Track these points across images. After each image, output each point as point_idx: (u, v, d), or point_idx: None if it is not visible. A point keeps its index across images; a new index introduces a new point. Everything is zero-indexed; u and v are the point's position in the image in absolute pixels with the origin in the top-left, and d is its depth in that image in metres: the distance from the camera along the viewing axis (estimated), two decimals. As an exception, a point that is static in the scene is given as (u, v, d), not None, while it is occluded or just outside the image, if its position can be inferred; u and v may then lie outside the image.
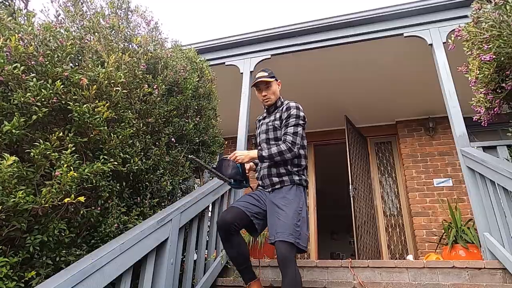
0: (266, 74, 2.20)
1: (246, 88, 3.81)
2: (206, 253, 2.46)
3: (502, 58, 2.20)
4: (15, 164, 1.34)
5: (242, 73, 3.98)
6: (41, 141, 1.49)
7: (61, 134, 1.57)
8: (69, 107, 1.64)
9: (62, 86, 1.62)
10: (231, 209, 2.08)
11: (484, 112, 2.50)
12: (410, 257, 4.37)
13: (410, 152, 5.23)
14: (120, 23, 2.42)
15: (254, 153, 2.08)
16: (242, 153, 2.09)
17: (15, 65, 1.54)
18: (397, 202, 5.26)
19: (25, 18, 1.87)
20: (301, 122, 2.09)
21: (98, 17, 2.24)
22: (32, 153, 1.45)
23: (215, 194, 2.55)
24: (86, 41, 1.98)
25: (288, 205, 1.95)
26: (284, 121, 2.10)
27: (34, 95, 1.54)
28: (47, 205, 1.42)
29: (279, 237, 1.83)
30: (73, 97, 1.68)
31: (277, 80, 2.25)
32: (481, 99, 2.49)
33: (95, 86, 1.74)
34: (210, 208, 2.58)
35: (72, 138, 1.62)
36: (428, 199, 4.84)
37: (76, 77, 1.70)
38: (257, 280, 2.11)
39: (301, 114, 2.11)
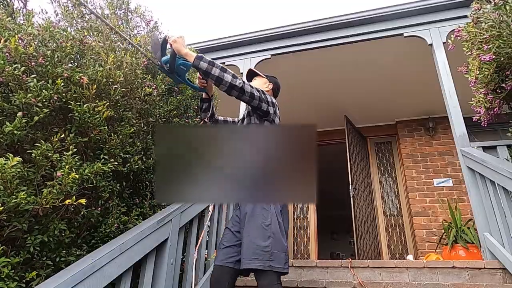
0: (259, 73, 2.13)
1: (246, 88, 3.81)
2: (206, 253, 2.46)
3: (502, 58, 2.20)
4: (18, 165, 1.34)
5: (242, 73, 3.98)
6: (42, 141, 1.50)
7: (62, 135, 1.57)
8: (70, 106, 1.64)
9: (62, 85, 1.62)
10: (213, 272, 1.78)
11: (484, 112, 2.50)
12: (410, 257, 4.37)
13: (410, 152, 5.23)
14: (119, 23, 2.42)
15: (190, 53, 1.74)
16: (179, 39, 1.76)
17: (15, 66, 1.54)
18: (397, 202, 5.26)
19: (25, 18, 1.87)
20: (268, 98, 1.87)
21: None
22: (33, 154, 1.45)
23: (215, 194, 2.54)
24: (86, 41, 1.98)
25: (251, 221, 1.68)
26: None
27: (35, 95, 1.54)
28: (48, 205, 1.42)
29: (243, 264, 1.57)
30: (74, 95, 1.68)
31: (270, 81, 2.14)
32: (481, 99, 2.49)
33: (94, 85, 1.74)
34: (210, 208, 2.58)
35: (73, 139, 1.62)
36: (428, 199, 4.85)
37: (77, 76, 1.71)
38: None
39: (269, 98, 1.90)
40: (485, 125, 2.59)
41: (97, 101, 1.75)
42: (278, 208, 1.74)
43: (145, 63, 2.27)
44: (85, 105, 1.68)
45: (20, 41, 1.61)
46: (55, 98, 1.60)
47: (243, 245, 1.64)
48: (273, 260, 1.56)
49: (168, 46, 1.87)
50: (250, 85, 1.80)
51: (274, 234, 1.62)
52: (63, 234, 1.58)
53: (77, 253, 1.63)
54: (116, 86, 1.87)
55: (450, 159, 4.98)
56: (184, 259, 2.15)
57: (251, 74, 2.20)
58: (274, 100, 1.95)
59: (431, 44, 3.44)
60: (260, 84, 2.10)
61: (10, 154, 1.33)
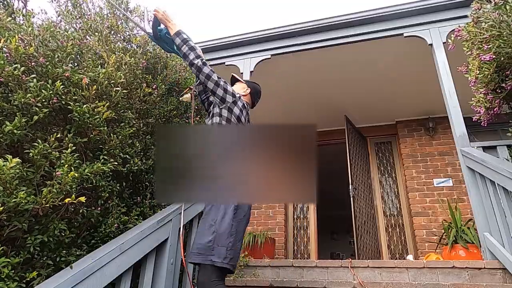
0: (239, 78, 2.26)
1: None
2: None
3: (502, 58, 2.20)
4: (17, 166, 1.34)
5: (242, 73, 3.99)
6: (39, 141, 1.50)
7: (59, 135, 1.57)
8: (69, 107, 1.64)
9: (62, 86, 1.62)
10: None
11: (484, 112, 2.50)
12: (410, 257, 4.37)
13: (410, 152, 5.23)
14: (119, 23, 2.42)
15: (173, 26, 1.99)
16: (164, 13, 2.00)
17: (15, 66, 1.54)
18: (397, 202, 5.26)
19: (25, 18, 1.87)
20: (229, 89, 1.95)
21: (97, 18, 2.24)
22: (31, 153, 1.45)
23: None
24: (86, 41, 1.98)
25: (203, 219, 1.73)
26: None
27: (35, 95, 1.54)
28: (47, 205, 1.42)
29: (190, 258, 1.63)
30: (73, 97, 1.68)
31: (248, 86, 2.20)
32: (481, 99, 2.49)
33: (95, 86, 1.74)
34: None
35: (72, 139, 1.62)
36: (428, 199, 4.85)
37: (77, 77, 1.71)
38: None
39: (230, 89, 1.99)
40: (485, 125, 2.59)
41: (97, 101, 1.75)
42: (230, 208, 1.71)
43: (144, 64, 2.27)
44: (85, 106, 1.68)
45: (20, 41, 1.61)
46: (55, 100, 1.60)
47: (194, 241, 1.70)
48: (214, 255, 1.56)
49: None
50: (212, 70, 1.93)
51: (217, 230, 1.63)
52: (63, 234, 1.58)
53: (77, 253, 1.63)
54: (117, 88, 1.87)
55: (450, 159, 4.98)
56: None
57: (232, 81, 2.28)
58: (236, 94, 2.00)
59: (431, 44, 3.44)
60: (238, 88, 2.19)
61: (9, 156, 1.33)
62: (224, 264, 1.56)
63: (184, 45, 1.95)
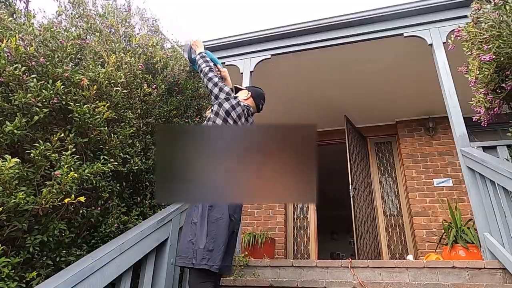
0: (241, 87, 2.39)
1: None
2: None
3: (502, 58, 2.20)
4: (16, 166, 1.34)
5: (242, 73, 3.98)
6: (41, 141, 1.50)
7: (62, 134, 1.57)
8: (69, 107, 1.65)
9: (62, 86, 1.62)
10: None
11: (484, 112, 2.50)
12: (410, 257, 4.37)
13: (410, 152, 5.23)
14: (118, 23, 2.42)
15: (201, 45, 2.40)
16: (197, 41, 2.43)
17: (15, 66, 1.54)
18: (397, 202, 5.26)
19: (26, 18, 1.87)
20: (225, 88, 2.13)
21: (97, 18, 2.24)
22: (32, 154, 1.45)
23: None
24: (87, 41, 1.98)
25: (186, 221, 1.77)
26: None
27: (35, 95, 1.54)
28: (47, 205, 1.42)
29: (176, 261, 1.69)
30: (74, 97, 1.68)
31: (249, 91, 2.33)
32: (481, 99, 2.49)
33: (95, 86, 1.74)
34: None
35: (73, 139, 1.62)
36: (428, 199, 4.85)
37: (77, 78, 1.71)
38: None
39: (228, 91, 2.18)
40: (485, 125, 2.58)
41: (97, 101, 1.75)
42: (205, 207, 1.73)
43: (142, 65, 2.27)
44: (85, 106, 1.68)
45: (20, 41, 1.62)
46: (55, 100, 1.60)
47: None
48: (194, 257, 1.59)
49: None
50: (215, 75, 2.20)
51: (196, 231, 1.66)
52: (63, 234, 1.58)
53: (77, 253, 1.63)
54: (118, 88, 1.88)
55: (450, 159, 4.97)
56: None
57: (236, 90, 2.39)
58: (231, 93, 2.16)
59: (431, 44, 3.44)
60: (241, 95, 2.30)
61: (8, 156, 1.33)
62: (201, 266, 1.57)
63: (201, 59, 2.27)
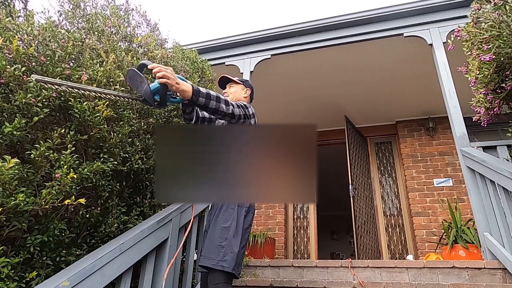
0: (235, 78, 2.13)
1: (246, 88, 3.82)
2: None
3: (502, 58, 2.20)
4: (16, 166, 1.34)
5: (242, 73, 3.99)
6: (41, 142, 1.49)
7: (62, 131, 1.57)
8: (70, 103, 1.65)
9: (62, 86, 1.62)
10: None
11: (484, 112, 2.50)
12: (410, 257, 4.37)
13: (410, 152, 5.23)
14: (120, 23, 2.42)
15: (186, 84, 1.59)
16: (170, 71, 1.53)
17: (16, 66, 1.54)
18: (397, 202, 5.26)
19: (25, 18, 1.87)
20: (249, 111, 1.90)
21: (98, 18, 2.24)
22: (32, 155, 1.45)
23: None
24: (87, 42, 1.98)
25: (215, 222, 1.73)
26: None
27: (35, 95, 1.54)
28: (47, 206, 1.42)
29: (200, 261, 1.64)
30: (73, 94, 1.68)
31: (246, 87, 2.13)
32: (481, 99, 2.49)
33: (94, 84, 1.74)
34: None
35: (73, 136, 1.62)
36: (428, 199, 4.85)
37: (77, 76, 1.71)
38: None
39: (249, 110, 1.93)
40: (485, 125, 2.59)
41: (97, 100, 1.75)
42: (242, 210, 1.76)
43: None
44: (85, 103, 1.68)
45: (19, 41, 1.62)
46: (54, 95, 1.60)
47: (204, 244, 1.73)
48: (225, 261, 1.59)
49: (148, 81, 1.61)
50: (237, 105, 1.82)
51: (229, 236, 1.66)
52: (63, 234, 1.58)
53: (77, 253, 1.63)
54: (116, 86, 1.87)
55: (450, 159, 4.98)
56: (184, 259, 2.15)
57: (224, 80, 2.15)
58: (253, 110, 1.95)
59: (431, 44, 3.44)
60: (238, 91, 2.11)
61: (7, 156, 1.33)
62: (234, 271, 1.60)
63: (210, 101, 1.68)
